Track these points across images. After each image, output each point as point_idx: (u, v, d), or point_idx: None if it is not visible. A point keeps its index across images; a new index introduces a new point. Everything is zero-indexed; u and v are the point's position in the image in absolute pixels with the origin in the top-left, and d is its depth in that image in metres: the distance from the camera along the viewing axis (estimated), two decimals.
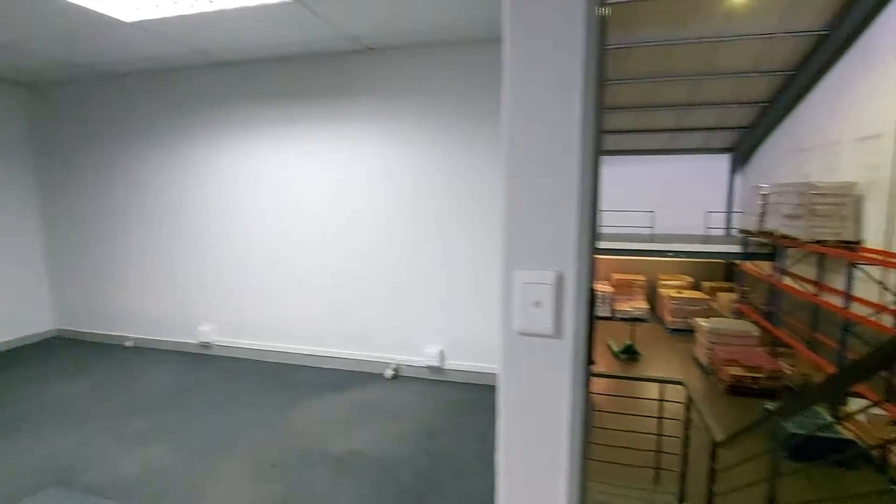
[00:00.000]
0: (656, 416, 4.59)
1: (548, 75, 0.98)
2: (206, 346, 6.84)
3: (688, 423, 4.31)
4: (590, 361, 1.02)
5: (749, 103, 14.33)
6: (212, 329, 6.78)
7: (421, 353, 5.89)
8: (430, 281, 5.93)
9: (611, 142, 17.55)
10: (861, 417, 8.40)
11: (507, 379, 1.05)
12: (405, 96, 6.04)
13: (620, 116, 15.75)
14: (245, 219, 6.77)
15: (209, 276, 6.88)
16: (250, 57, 6.36)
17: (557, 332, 1.01)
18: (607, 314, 16.92)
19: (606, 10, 0.98)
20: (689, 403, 4.21)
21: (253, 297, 6.71)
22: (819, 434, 8.12)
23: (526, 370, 1.02)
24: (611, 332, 15.18)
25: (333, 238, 6.48)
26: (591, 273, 0.99)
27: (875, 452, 7.89)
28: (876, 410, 8.24)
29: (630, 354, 12.96)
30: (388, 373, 5.90)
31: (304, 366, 6.31)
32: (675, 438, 4.45)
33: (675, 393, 4.55)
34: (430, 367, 5.92)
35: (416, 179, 6.06)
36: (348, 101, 6.25)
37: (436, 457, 3.99)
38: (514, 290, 1.02)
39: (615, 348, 13.30)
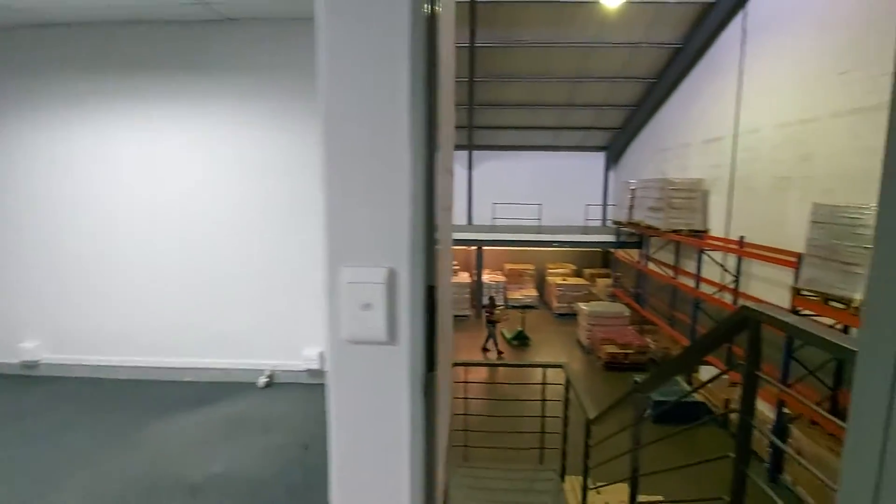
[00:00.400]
0: (539, 398, 4.78)
1: (369, 59, 0.80)
2: (30, 366, 5.54)
3: (567, 404, 4.54)
4: (430, 367, 0.87)
5: (620, 106, 15.78)
6: (38, 346, 5.50)
7: (298, 357, 5.24)
8: (304, 276, 5.13)
9: (502, 137, 18.24)
10: (706, 380, 9.72)
11: (338, 394, 0.87)
12: (263, 73, 5.18)
13: (510, 113, 16.41)
14: (72, 212, 5.50)
15: (33, 283, 5.58)
16: (81, 18, 5.27)
17: (391, 338, 0.85)
18: (501, 303, 17.63)
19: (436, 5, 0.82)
20: (568, 385, 4.43)
21: (89, 306, 5.53)
22: (677, 400, 9.26)
23: (358, 383, 0.86)
24: (505, 319, 15.86)
25: (185, 233, 5.36)
26: (431, 269, 0.85)
27: (718, 410, 9.19)
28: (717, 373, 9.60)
29: (522, 340, 13.62)
30: (262, 381, 5.23)
31: (157, 381, 5.32)
32: (558, 418, 4.68)
33: (558, 375, 4.76)
34: (309, 371, 5.21)
35: (287, 167, 5.23)
36: (195, 76, 5.19)
37: (311, 470, 3.66)
38: (340, 291, 0.84)
39: (508, 335, 13.89)
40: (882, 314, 0.55)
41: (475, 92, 14.73)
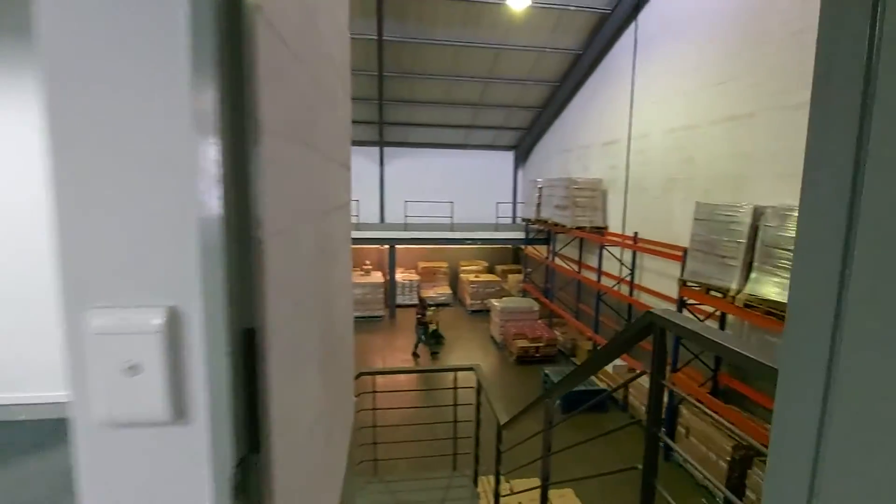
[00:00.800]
0: (452, 403, 4.62)
1: None
2: None
3: (479, 408, 4.44)
4: (254, 447, 0.58)
5: (528, 107, 16.31)
6: None
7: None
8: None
9: (414, 134, 18.02)
10: (609, 368, 10.33)
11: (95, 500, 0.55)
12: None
13: (422, 110, 16.24)
14: None
15: None
16: None
17: (178, 415, 0.55)
18: (415, 301, 17.46)
19: None
20: (479, 388, 4.32)
21: None
22: (582, 388, 9.73)
23: (125, 488, 0.55)
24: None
25: None
26: (249, 304, 0.57)
27: (619, 396, 9.80)
28: (618, 361, 10.24)
29: (436, 339, 13.54)
30: None
31: None
32: (471, 422, 4.56)
33: (470, 378, 4.64)
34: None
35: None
36: None
37: None
38: (85, 347, 0.52)
39: (422, 335, 13.74)
40: (803, 330, 0.52)
41: (385, 87, 14.36)
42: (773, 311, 5.76)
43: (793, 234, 5.69)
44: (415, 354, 12.53)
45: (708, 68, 8.69)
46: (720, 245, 6.71)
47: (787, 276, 6.24)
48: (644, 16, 10.80)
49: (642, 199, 10.85)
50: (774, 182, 7.27)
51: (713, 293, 6.93)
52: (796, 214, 5.81)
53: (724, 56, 8.27)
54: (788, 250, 5.70)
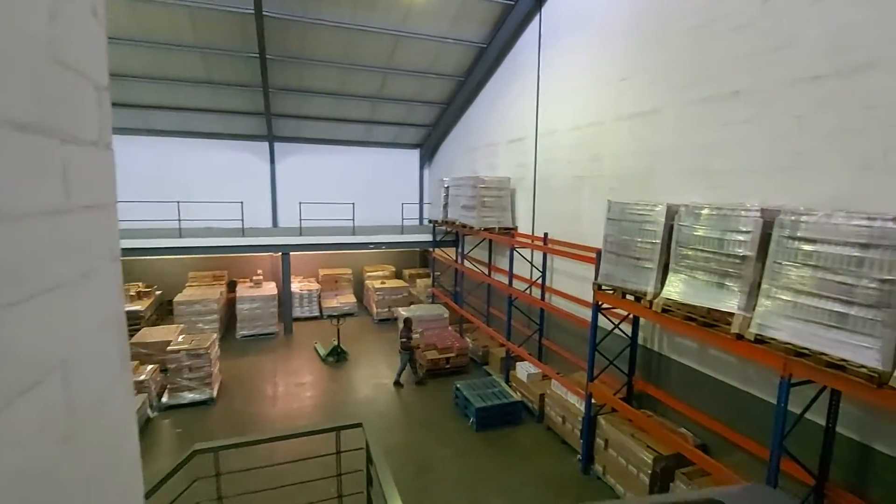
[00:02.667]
0: (335, 474, 3.46)
1: None
2: None
3: (370, 481, 3.33)
4: None
5: (431, 103, 15.48)
6: None
7: None
8: None
9: (308, 128, 16.35)
10: (523, 377, 9.78)
11: None
12: None
13: (316, 101, 14.68)
14: None
15: None
16: None
17: None
18: (315, 313, 15.84)
19: None
20: (369, 455, 3.22)
21: None
22: (496, 402, 9.04)
23: None
24: (319, 333, 14.15)
25: None
26: None
27: (534, 406, 9.27)
28: (532, 370, 9.72)
29: (338, 356, 12.16)
30: None
31: None
32: (360, 494, 3.44)
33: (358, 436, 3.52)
34: None
35: None
36: None
37: None
38: None
39: (322, 352, 12.28)
40: None
41: (271, 73, 12.64)
42: (692, 316, 5.38)
43: (707, 233, 5.36)
44: (397, 384, 10.68)
45: (611, 63, 8.43)
46: (634, 246, 6.30)
47: (706, 278, 6.01)
48: (547, 8, 10.43)
49: (551, 198, 10.48)
50: (680, 178, 7.09)
51: (629, 297, 6.52)
52: (711, 213, 5.51)
53: (627, 51, 8.03)
54: (705, 251, 5.36)
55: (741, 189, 6.15)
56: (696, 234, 5.50)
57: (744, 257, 4.96)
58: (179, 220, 13.29)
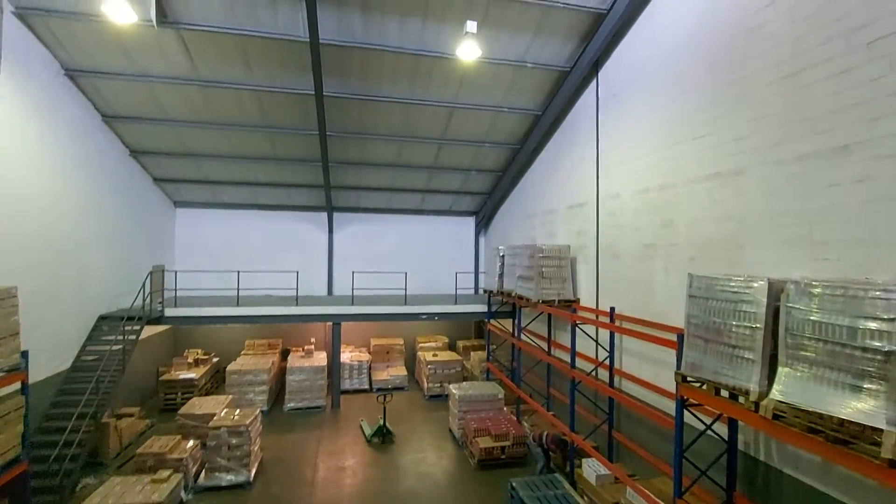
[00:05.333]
0: None
1: None
2: None
3: None
4: None
5: (487, 171, 15.31)
6: None
7: None
8: None
9: (366, 199, 16.66)
10: (591, 479, 8.33)
11: None
12: None
13: (374, 173, 14.98)
14: None
15: None
16: None
17: None
18: (365, 386, 15.17)
19: None
20: None
21: None
22: None
23: None
24: (366, 409, 13.38)
25: None
26: None
27: None
28: (601, 470, 8.27)
29: (382, 437, 11.25)
30: None
31: None
32: None
33: None
34: None
35: None
36: None
37: None
38: None
39: (367, 431, 11.43)
40: None
41: (331, 148, 13.07)
42: (817, 428, 4.13)
43: (829, 318, 4.22)
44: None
45: (680, 122, 7.69)
46: (728, 331, 5.18)
47: (834, 377, 4.75)
48: (605, 72, 10.05)
49: (617, 268, 9.48)
50: (777, 249, 5.97)
51: (724, 393, 5.30)
52: (830, 293, 4.33)
53: (699, 108, 7.29)
54: (828, 342, 4.19)
55: (861, 262, 4.99)
56: (812, 318, 4.36)
57: (889, 353, 3.77)
58: (238, 289, 13.51)
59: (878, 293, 3.88)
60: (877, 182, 4.84)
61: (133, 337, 10.65)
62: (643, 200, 8.66)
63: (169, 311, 12.17)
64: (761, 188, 6.17)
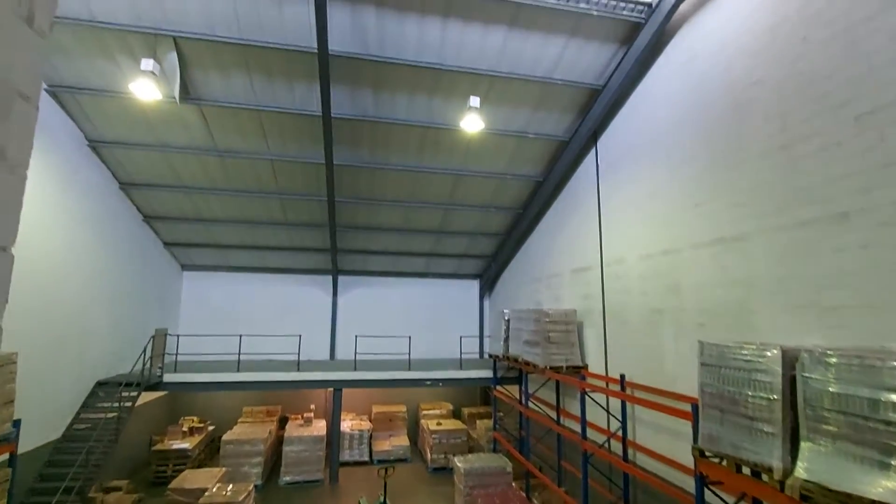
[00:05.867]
0: None
1: None
2: None
3: None
4: None
5: (491, 234, 15.55)
6: None
7: None
8: None
9: (372, 262, 16.81)
10: None
11: None
12: None
13: (380, 237, 15.23)
14: None
15: None
16: None
17: None
18: (365, 458, 14.46)
19: None
20: None
21: None
22: None
23: None
24: (366, 483, 12.67)
25: None
26: None
27: None
28: None
29: None
30: None
31: None
32: None
33: None
34: None
35: None
36: None
37: None
38: None
39: None
40: None
41: (339, 213, 13.40)
42: None
43: (848, 389, 4.08)
44: None
45: (681, 189, 7.90)
46: (744, 402, 5.00)
47: (859, 453, 4.52)
48: (604, 141, 10.48)
49: (625, 333, 9.33)
50: (787, 315, 5.90)
51: (746, 469, 5.01)
52: (846, 362, 4.18)
53: (698, 175, 7.52)
54: (849, 415, 4.03)
55: (874, 329, 4.91)
56: (831, 390, 4.22)
57: None
58: (239, 354, 13.31)
59: (895, 363, 3.79)
60: (881, 248, 4.87)
61: (129, 404, 10.37)
62: (648, 265, 8.69)
63: (168, 377, 11.92)
64: (766, 254, 6.21)
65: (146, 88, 8.16)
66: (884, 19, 4.94)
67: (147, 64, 8.13)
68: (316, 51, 8.19)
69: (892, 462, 3.76)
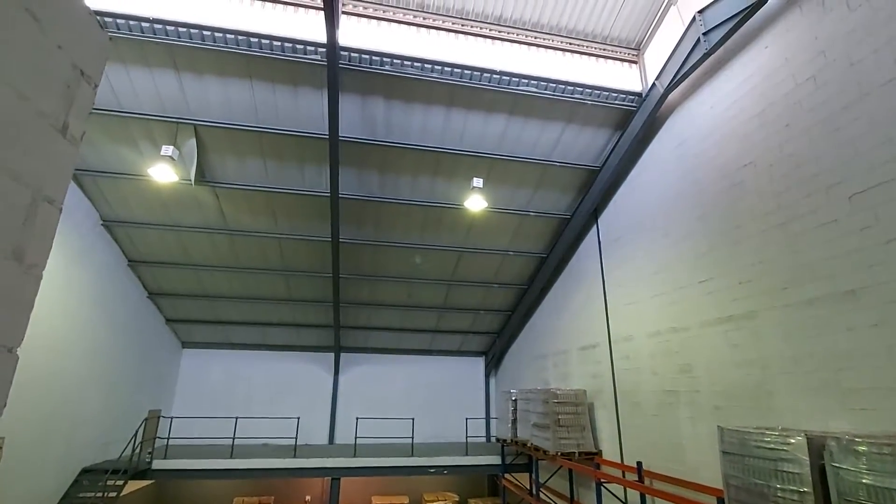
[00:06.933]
0: None
1: None
2: None
3: None
4: None
5: (496, 310, 15.40)
6: None
7: None
8: None
9: (374, 339, 16.52)
10: None
11: None
12: None
13: (383, 313, 15.11)
14: None
15: None
16: None
17: None
18: None
19: None
20: None
21: None
22: None
23: None
24: None
25: None
26: None
27: None
28: None
29: None
30: None
31: None
32: None
33: None
34: None
35: None
36: None
37: None
38: None
39: None
40: None
41: (343, 289, 13.43)
42: None
43: (883, 481, 3.79)
44: None
45: (683, 266, 7.92)
46: (773, 496, 4.63)
47: None
48: (605, 218, 10.71)
49: (638, 415, 8.89)
50: (806, 397, 5.64)
51: None
52: (873, 450, 3.69)
53: (699, 253, 7.57)
54: None
55: None
56: (864, 482, 3.92)
57: None
58: (234, 439, 12.68)
59: None
60: (893, 327, 4.76)
61: (114, 494, 9.72)
62: (657, 343, 8.49)
63: (157, 464, 11.27)
64: (777, 332, 6.07)
65: (164, 172, 8.57)
66: (861, 108, 5.23)
67: (167, 150, 8.61)
68: (327, 137, 8.69)
69: None
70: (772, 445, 4.75)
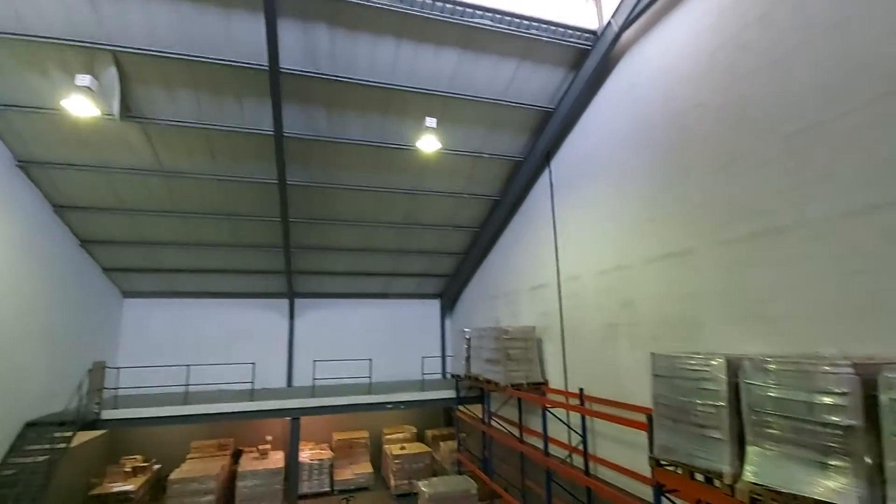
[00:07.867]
0: None
1: None
2: None
3: None
4: None
5: (451, 253, 15.58)
6: None
7: None
8: None
9: (329, 284, 16.43)
10: None
11: None
12: None
13: (338, 258, 14.94)
14: None
15: None
16: None
17: None
18: (326, 488, 13.87)
19: None
20: None
21: None
22: None
23: None
24: None
25: None
26: None
27: None
28: None
29: None
30: None
31: None
32: None
33: None
34: None
35: None
36: None
37: None
38: None
39: None
40: None
41: (293, 234, 13.07)
42: None
43: (787, 393, 4.29)
44: None
45: (631, 206, 8.22)
46: (694, 410, 5.15)
47: (800, 454, 4.71)
48: (557, 161, 10.81)
49: (582, 348, 9.49)
50: (733, 325, 6.18)
51: (699, 476, 5.14)
52: (783, 368, 4.15)
53: (647, 193, 7.85)
54: (789, 418, 4.22)
55: (812, 337, 5.20)
56: (770, 395, 4.42)
57: (847, 428, 3.81)
58: (187, 386, 12.56)
59: (826, 368, 4.01)
60: (815, 261, 5.20)
61: (62, 445, 9.51)
62: (602, 281, 8.93)
63: (106, 413, 11.04)
64: (711, 267, 6.51)
65: (81, 105, 7.73)
66: (805, 52, 5.39)
67: (83, 80, 7.73)
68: (267, 68, 8.06)
69: (831, 462, 3.94)
70: (696, 367, 5.22)
